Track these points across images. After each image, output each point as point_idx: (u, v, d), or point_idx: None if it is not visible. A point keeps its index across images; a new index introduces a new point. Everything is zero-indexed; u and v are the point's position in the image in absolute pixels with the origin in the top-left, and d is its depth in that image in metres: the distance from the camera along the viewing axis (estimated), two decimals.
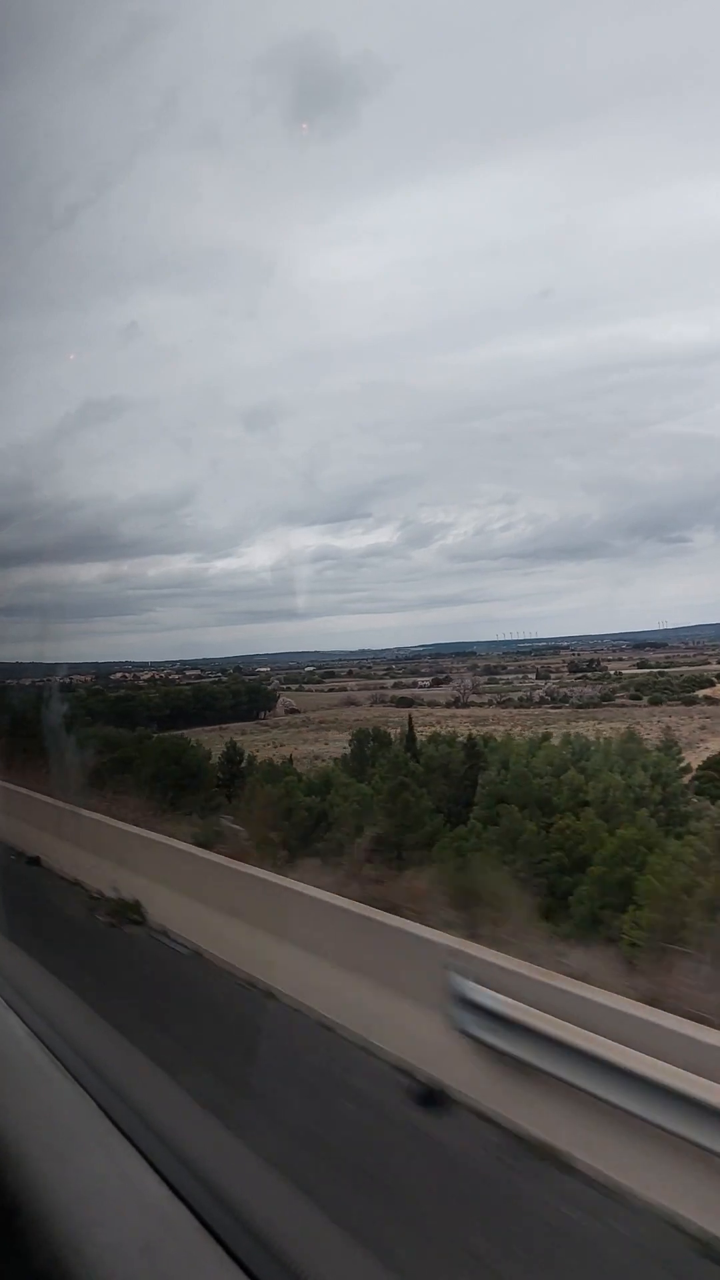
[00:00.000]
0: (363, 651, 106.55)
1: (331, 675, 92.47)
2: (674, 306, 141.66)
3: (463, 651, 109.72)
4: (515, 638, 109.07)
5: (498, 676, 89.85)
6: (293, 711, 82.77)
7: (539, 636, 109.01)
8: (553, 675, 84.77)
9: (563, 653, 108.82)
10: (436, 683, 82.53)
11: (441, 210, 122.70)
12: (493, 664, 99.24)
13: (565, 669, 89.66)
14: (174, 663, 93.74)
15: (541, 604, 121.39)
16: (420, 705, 78.25)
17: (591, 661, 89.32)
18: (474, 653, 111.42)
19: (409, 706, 75.66)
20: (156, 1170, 1.14)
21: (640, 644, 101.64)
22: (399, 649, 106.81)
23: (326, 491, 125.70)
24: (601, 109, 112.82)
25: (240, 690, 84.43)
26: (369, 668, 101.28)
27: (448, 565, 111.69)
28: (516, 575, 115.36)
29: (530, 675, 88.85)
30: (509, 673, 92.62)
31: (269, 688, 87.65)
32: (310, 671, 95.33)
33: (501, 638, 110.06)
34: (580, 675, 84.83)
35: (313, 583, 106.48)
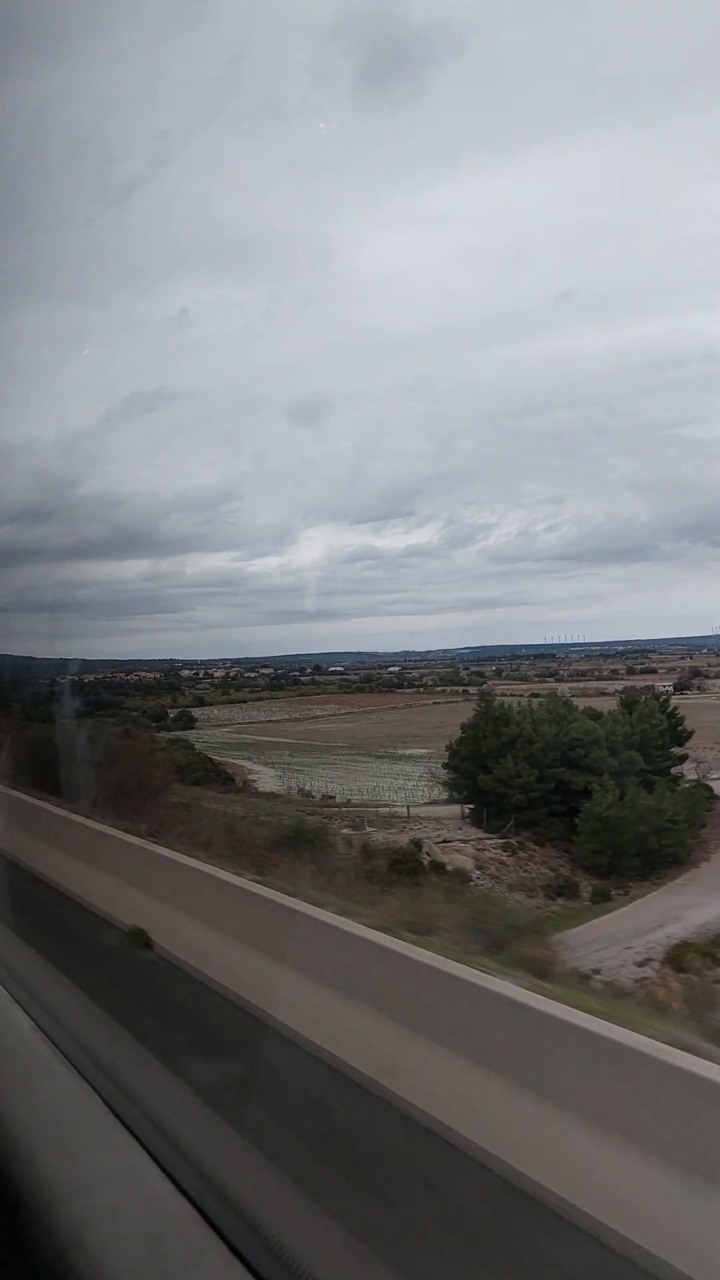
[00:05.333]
0: (406, 653, 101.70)
1: (481, 678, 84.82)
2: None
3: (541, 653, 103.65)
4: (565, 641, 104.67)
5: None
6: None
7: (589, 641, 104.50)
8: None
9: (652, 656, 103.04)
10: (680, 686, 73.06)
11: (506, 193, 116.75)
12: (603, 667, 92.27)
13: None
14: (224, 661, 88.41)
15: (582, 608, 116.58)
16: None
17: None
18: (553, 655, 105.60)
19: None
20: (159, 1164, 1.15)
21: None
22: (445, 651, 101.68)
23: (370, 489, 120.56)
24: (680, 86, 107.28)
25: None
26: (463, 668, 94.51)
27: (488, 566, 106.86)
28: (558, 578, 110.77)
29: None
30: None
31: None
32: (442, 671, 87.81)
33: (548, 640, 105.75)
34: None
35: (353, 583, 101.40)
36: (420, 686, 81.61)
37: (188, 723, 60.97)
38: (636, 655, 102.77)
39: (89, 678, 77.03)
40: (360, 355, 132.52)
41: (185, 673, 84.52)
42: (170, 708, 67.48)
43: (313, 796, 41.43)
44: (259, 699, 71.36)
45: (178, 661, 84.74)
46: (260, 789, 40.99)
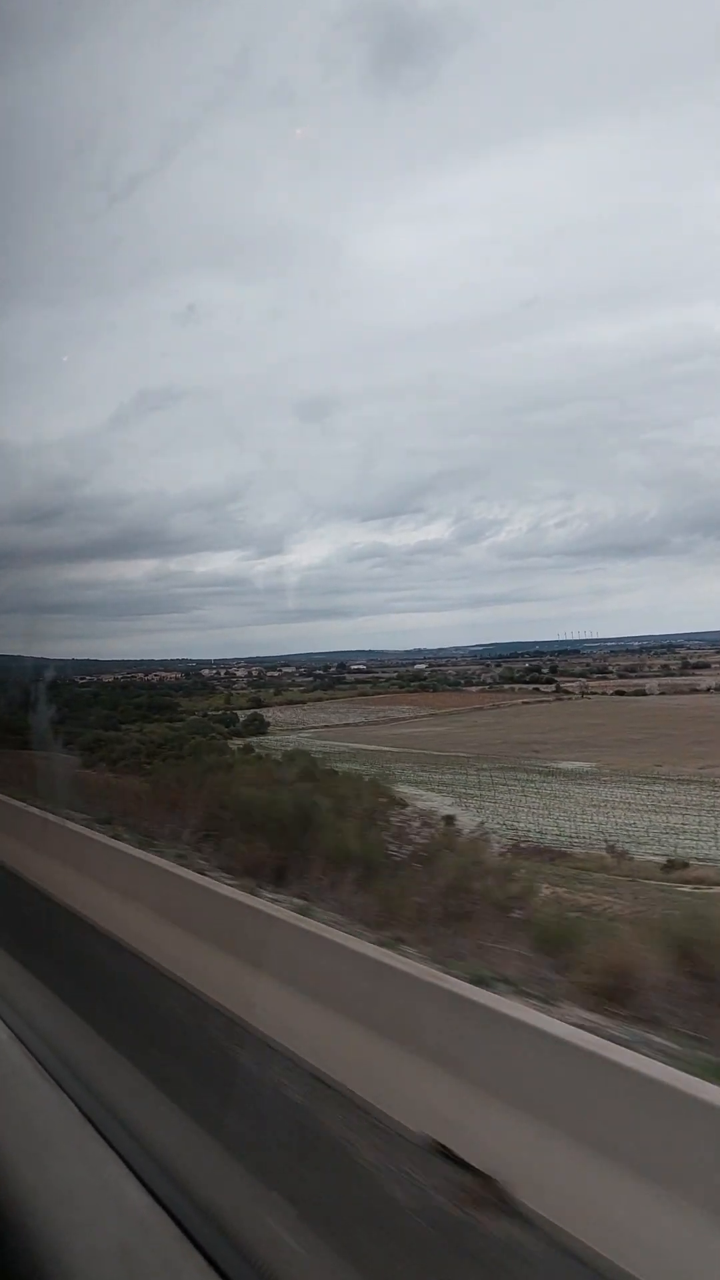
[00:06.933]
0: (418, 650, 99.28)
1: (538, 673, 78.63)
2: None
3: (564, 650, 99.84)
4: (578, 637, 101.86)
5: None
6: None
7: (604, 637, 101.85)
8: None
9: (680, 651, 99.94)
10: None
11: (516, 185, 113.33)
12: (632, 665, 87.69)
13: None
14: (235, 660, 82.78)
15: (592, 603, 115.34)
16: None
17: None
18: (578, 651, 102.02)
19: None
20: (136, 1175, 1.14)
21: None
22: (457, 648, 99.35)
23: (380, 486, 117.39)
24: (695, 77, 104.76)
25: None
26: (493, 665, 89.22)
27: (498, 562, 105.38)
28: (568, 574, 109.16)
29: None
30: None
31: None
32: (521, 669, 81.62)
33: (560, 637, 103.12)
34: None
35: (362, 580, 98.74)
36: (484, 684, 75.61)
37: (259, 727, 53.44)
38: (663, 650, 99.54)
39: (107, 678, 71.59)
40: (369, 350, 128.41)
41: (206, 672, 78.69)
42: (224, 709, 60.15)
43: (616, 853, 28.96)
44: (318, 699, 64.23)
45: (192, 661, 79.04)
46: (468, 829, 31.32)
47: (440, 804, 35.29)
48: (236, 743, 48.16)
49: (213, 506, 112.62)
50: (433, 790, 39.10)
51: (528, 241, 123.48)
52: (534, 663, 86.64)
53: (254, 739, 51.34)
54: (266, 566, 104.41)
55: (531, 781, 39.67)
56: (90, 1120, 1.24)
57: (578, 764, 42.47)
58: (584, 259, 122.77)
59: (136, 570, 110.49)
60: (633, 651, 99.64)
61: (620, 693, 65.95)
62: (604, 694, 66.07)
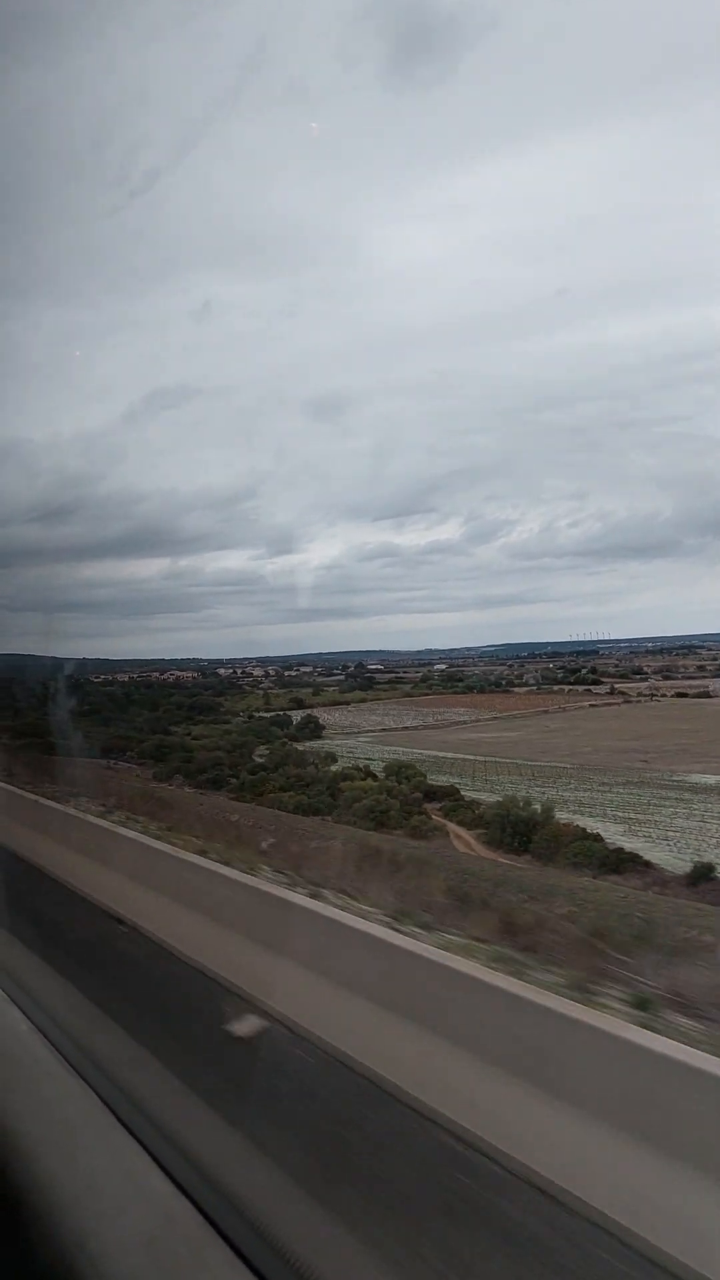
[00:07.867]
0: (429, 650, 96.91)
1: (593, 677, 74.44)
2: None
3: (581, 651, 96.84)
4: (591, 638, 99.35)
5: None
6: None
7: (617, 638, 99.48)
8: None
9: (702, 651, 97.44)
10: None
11: (530, 182, 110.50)
12: (666, 665, 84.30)
13: None
14: (246, 660, 79.15)
15: (604, 604, 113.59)
16: None
17: None
18: (597, 652, 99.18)
19: None
20: (160, 1165, 1.15)
21: None
22: (469, 649, 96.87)
23: (390, 485, 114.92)
24: (712, 71, 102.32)
25: None
26: (515, 665, 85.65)
27: (509, 563, 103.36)
28: (580, 574, 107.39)
29: None
30: None
31: None
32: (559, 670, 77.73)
33: (574, 638, 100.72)
34: None
35: (373, 580, 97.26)
36: (529, 685, 71.57)
37: (315, 731, 48.53)
38: (683, 651, 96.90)
39: (122, 677, 67.91)
40: (381, 348, 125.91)
41: (222, 672, 74.98)
42: (266, 709, 55.43)
43: None
44: (361, 700, 59.64)
45: (203, 660, 75.06)
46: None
47: (609, 831, 30.32)
48: (297, 746, 43.29)
49: (225, 505, 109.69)
50: (572, 811, 34.10)
51: (541, 239, 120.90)
52: (570, 663, 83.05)
53: (312, 743, 46.55)
54: (278, 566, 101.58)
55: (684, 801, 35.22)
56: (113, 1110, 1.20)
57: (714, 777, 38.13)
58: (597, 256, 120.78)
59: (148, 569, 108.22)
60: (650, 653, 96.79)
61: (682, 694, 62.20)
62: (665, 696, 62.29)
